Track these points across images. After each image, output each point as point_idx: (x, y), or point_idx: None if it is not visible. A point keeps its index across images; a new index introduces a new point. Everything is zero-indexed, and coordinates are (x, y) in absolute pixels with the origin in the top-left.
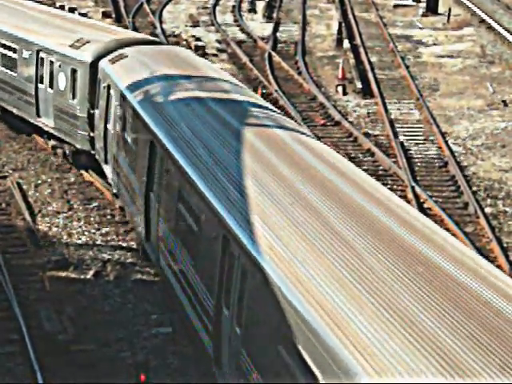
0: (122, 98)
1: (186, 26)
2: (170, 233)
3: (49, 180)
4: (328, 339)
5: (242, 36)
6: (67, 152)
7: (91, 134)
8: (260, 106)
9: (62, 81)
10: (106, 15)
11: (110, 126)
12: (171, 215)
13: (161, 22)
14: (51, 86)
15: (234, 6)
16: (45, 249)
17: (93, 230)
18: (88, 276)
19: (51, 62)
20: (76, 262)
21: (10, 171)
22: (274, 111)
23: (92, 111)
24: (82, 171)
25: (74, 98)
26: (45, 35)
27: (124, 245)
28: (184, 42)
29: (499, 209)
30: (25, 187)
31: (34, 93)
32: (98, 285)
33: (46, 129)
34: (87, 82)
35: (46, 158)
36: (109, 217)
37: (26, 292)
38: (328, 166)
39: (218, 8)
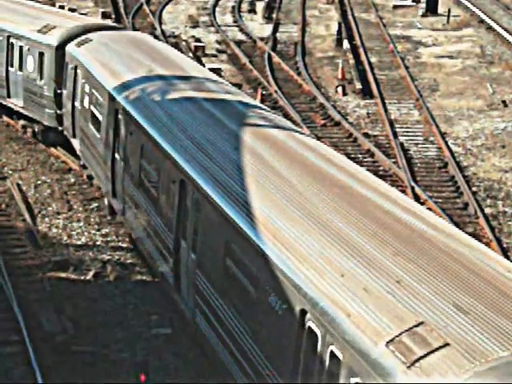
0: (90, 76)
1: (186, 26)
2: (134, 186)
3: (48, 181)
4: (260, 243)
5: (241, 37)
6: (36, 130)
7: (58, 112)
8: (210, 80)
9: (30, 64)
10: (105, 16)
11: (77, 103)
12: (134, 171)
13: (160, 23)
14: (20, 68)
15: (233, 7)
16: (45, 249)
17: (93, 231)
18: (88, 277)
19: (20, 47)
20: (76, 263)
21: (10, 172)
22: (223, 83)
23: (59, 91)
24: (51, 148)
25: (41, 79)
26: (14, 22)
27: (124, 245)
28: (184, 43)
29: (499, 209)
30: (25, 188)
31: (4, 76)
32: (98, 285)
33: (16, 109)
34: (54, 65)
35: (46, 158)
36: (109, 217)
37: (26, 293)
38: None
39: (217, 9)
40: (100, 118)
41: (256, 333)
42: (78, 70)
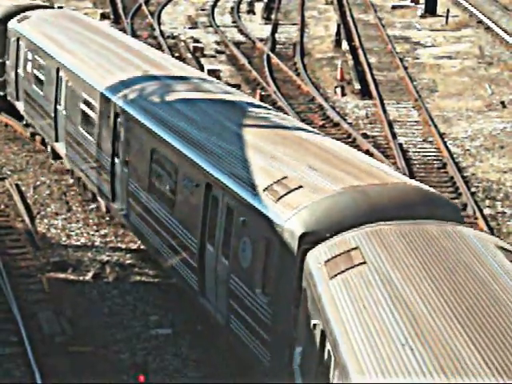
0: (32, 46)
1: (185, 27)
2: (75, 128)
3: (47, 182)
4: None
5: (240, 37)
6: None
7: (0, 79)
8: (124, 39)
9: None
10: (104, 16)
11: (20, 71)
12: (75, 115)
13: (159, 24)
14: None
15: (232, 8)
16: (44, 250)
17: (91, 232)
18: (87, 277)
19: None
20: (75, 264)
21: (9, 173)
22: (141, 46)
23: (1, 60)
24: None
25: None
26: None
27: (123, 246)
28: (182, 44)
29: (498, 210)
30: (23, 189)
31: None
32: (97, 286)
33: None
34: None
35: (45, 159)
36: (107, 218)
37: (25, 294)
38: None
39: (216, 9)
40: (43, 78)
41: (176, 211)
42: (21, 42)
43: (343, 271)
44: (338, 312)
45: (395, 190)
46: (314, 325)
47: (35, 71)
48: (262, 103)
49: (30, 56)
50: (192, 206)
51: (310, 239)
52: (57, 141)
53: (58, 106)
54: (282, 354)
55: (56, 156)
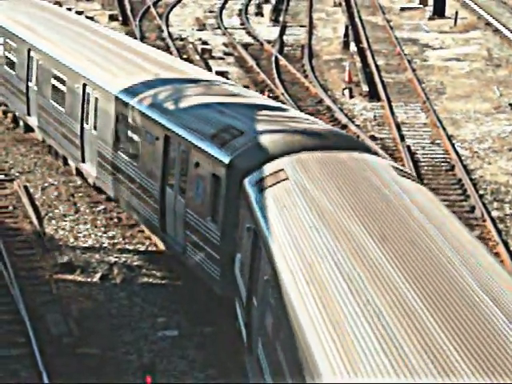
0: (2, 30)
1: (193, 29)
2: (40, 92)
3: (55, 183)
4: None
5: (248, 39)
6: None
7: None
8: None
9: None
10: (112, 18)
11: None
12: (46, 90)
13: (167, 26)
14: None
15: (240, 10)
16: (52, 252)
17: (99, 233)
18: (94, 279)
19: None
20: (83, 265)
21: (17, 174)
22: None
23: None
24: None
25: None
26: None
27: (130, 248)
28: (191, 45)
29: (506, 212)
30: (32, 190)
31: None
32: (105, 288)
33: None
34: None
35: (53, 161)
36: (115, 220)
37: (33, 295)
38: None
39: (224, 11)
40: (15, 60)
41: (140, 163)
42: None
43: (270, 186)
44: (266, 213)
45: (311, 128)
46: (248, 228)
47: (7, 54)
48: (218, 78)
49: (1, 40)
50: (153, 157)
51: (246, 170)
52: (29, 115)
53: (29, 83)
54: (229, 267)
55: (28, 129)
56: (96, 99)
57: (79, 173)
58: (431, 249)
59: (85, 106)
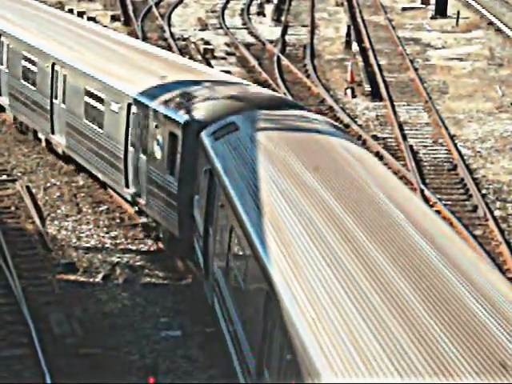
0: None
1: (195, 29)
2: (15, 77)
3: (58, 183)
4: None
5: (250, 39)
6: None
7: None
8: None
9: None
10: (114, 19)
11: None
12: (17, 70)
13: (169, 26)
14: None
15: (242, 10)
16: (54, 252)
17: (102, 234)
18: (97, 279)
19: None
20: (85, 265)
21: (20, 174)
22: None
23: None
24: None
25: None
26: None
27: (133, 248)
28: (193, 45)
29: (508, 212)
30: (34, 191)
31: None
32: (107, 288)
33: None
34: None
35: (55, 161)
36: (118, 220)
37: (36, 295)
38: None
39: (226, 11)
40: None
41: (106, 129)
42: None
43: (223, 136)
44: (219, 156)
45: (256, 92)
46: (205, 170)
47: None
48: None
49: None
50: (117, 123)
51: (202, 126)
52: (0, 95)
53: (0, 67)
54: (186, 212)
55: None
56: (64, 76)
57: (48, 143)
58: (358, 175)
59: (54, 83)
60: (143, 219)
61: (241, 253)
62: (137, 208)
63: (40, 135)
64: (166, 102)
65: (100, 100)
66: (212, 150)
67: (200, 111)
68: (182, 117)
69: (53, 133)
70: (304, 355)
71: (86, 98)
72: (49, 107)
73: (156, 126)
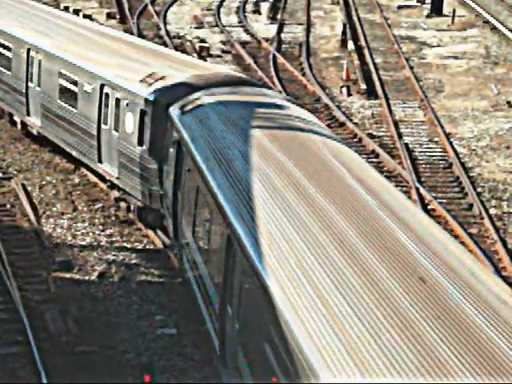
0: None
1: (191, 27)
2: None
3: (53, 181)
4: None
5: (246, 37)
6: None
7: None
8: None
9: None
10: (110, 16)
11: None
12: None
13: (165, 24)
14: None
15: (238, 8)
16: (49, 250)
17: (97, 231)
18: (92, 277)
19: None
20: (81, 263)
21: (15, 172)
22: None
23: None
24: None
25: None
26: None
27: (128, 246)
28: (188, 43)
29: (504, 210)
30: (29, 188)
31: None
32: (103, 286)
33: None
34: None
35: (51, 159)
36: (113, 218)
37: (31, 293)
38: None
39: (222, 9)
40: None
41: (80, 109)
42: None
43: (190, 110)
44: (186, 127)
45: (219, 71)
46: (173, 141)
47: None
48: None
49: None
50: (90, 103)
51: (170, 102)
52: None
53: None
54: (156, 183)
55: None
56: (39, 61)
57: (24, 126)
58: (308, 136)
59: (29, 67)
60: (115, 193)
61: (206, 208)
62: (109, 183)
63: (15, 118)
64: (136, 82)
65: (74, 82)
66: (179, 122)
67: (167, 89)
68: (151, 95)
69: (28, 115)
70: (257, 281)
71: (61, 81)
72: (24, 90)
73: (127, 105)
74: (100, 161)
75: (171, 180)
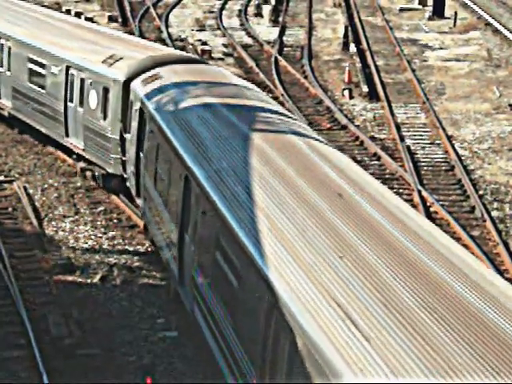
0: None
1: (193, 30)
2: None
3: (55, 184)
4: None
5: (248, 40)
6: None
7: None
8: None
9: None
10: (112, 19)
11: None
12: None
13: (167, 27)
14: None
15: (240, 10)
16: (51, 253)
17: (99, 234)
18: (95, 280)
19: None
20: (83, 266)
21: (17, 175)
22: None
23: None
24: None
25: None
26: None
27: (131, 249)
28: (190, 46)
29: (506, 212)
30: (31, 191)
31: None
32: (105, 289)
33: None
34: None
35: (53, 162)
36: (115, 221)
37: (33, 296)
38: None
39: (224, 12)
40: None
41: (47, 90)
42: None
43: (149, 82)
44: (147, 96)
45: (173, 52)
46: (136, 109)
47: None
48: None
49: None
50: (57, 84)
51: (129, 79)
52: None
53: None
54: (117, 150)
55: None
56: (9, 48)
57: None
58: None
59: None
60: (81, 164)
61: (167, 161)
62: (75, 156)
63: None
64: (99, 63)
65: (42, 65)
66: (141, 92)
67: (127, 68)
68: (112, 73)
69: None
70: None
71: (30, 65)
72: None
73: (91, 84)
74: (67, 135)
75: (134, 144)
